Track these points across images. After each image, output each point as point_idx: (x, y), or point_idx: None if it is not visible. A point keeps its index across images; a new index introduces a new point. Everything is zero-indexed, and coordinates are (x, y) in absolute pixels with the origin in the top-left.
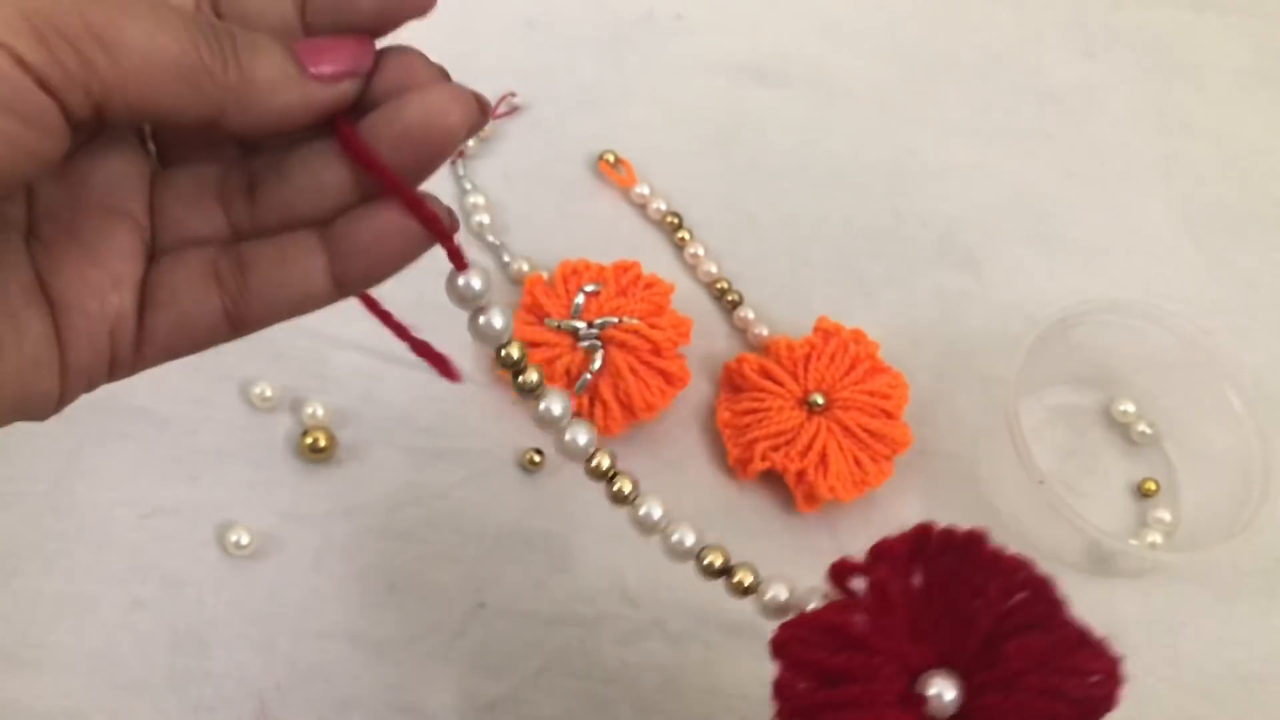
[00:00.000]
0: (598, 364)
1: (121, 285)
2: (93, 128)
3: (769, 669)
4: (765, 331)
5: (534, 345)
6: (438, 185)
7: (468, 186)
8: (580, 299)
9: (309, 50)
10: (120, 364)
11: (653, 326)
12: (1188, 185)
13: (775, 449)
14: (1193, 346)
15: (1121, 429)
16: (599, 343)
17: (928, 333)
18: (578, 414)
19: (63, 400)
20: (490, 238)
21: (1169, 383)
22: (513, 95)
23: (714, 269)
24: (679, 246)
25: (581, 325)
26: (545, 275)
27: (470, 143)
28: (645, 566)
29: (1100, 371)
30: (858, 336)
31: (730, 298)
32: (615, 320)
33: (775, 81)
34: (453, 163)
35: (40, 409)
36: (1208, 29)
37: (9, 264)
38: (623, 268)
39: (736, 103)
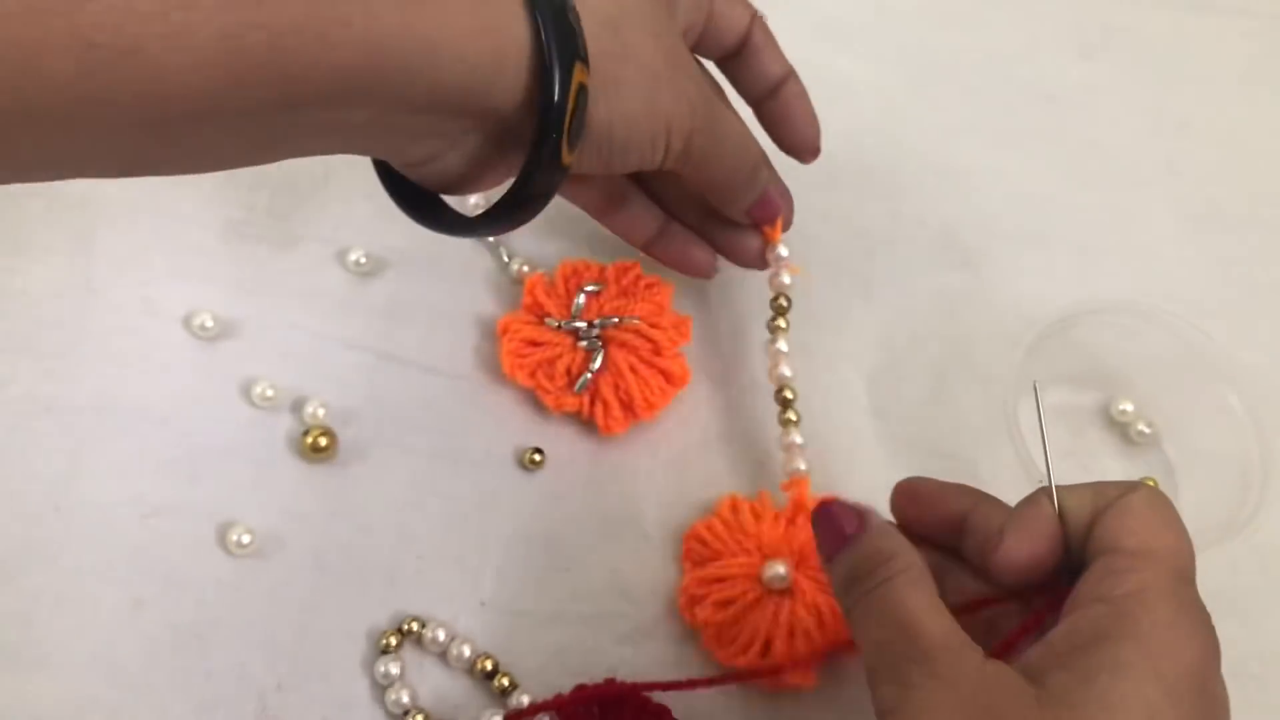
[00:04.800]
0: (598, 363)
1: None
2: None
3: None
4: (789, 372)
5: (534, 345)
6: None
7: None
8: (581, 299)
9: (762, 207)
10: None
11: (653, 326)
12: (1187, 185)
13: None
14: (1192, 347)
15: (1120, 429)
16: (599, 342)
17: (927, 333)
18: (578, 413)
19: None
20: (491, 238)
21: (1168, 383)
22: None
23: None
24: None
25: (582, 325)
26: (546, 275)
27: None
28: (645, 565)
29: (1099, 371)
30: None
31: (777, 322)
32: (616, 320)
33: None
34: None
35: None
36: (1207, 30)
37: None
38: (623, 268)
39: (735, 103)
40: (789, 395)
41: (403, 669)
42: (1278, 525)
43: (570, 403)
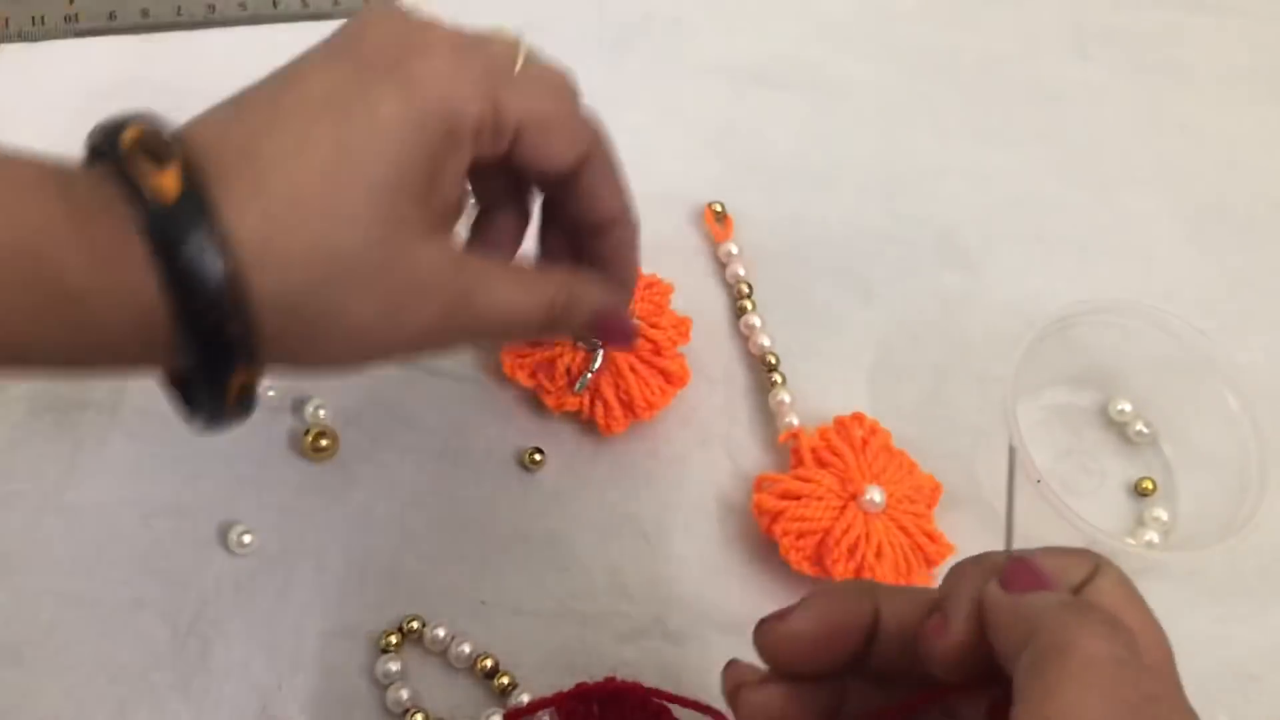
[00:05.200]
0: (598, 363)
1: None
2: None
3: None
4: (767, 341)
5: (535, 345)
6: None
7: (467, 187)
8: None
9: (604, 325)
10: None
11: (653, 326)
12: (1185, 185)
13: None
14: (1190, 346)
15: (1119, 428)
16: (599, 343)
17: (926, 333)
18: (578, 413)
19: None
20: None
21: (1166, 383)
22: None
23: (741, 271)
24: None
25: None
26: None
27: None
28: (645, 565)
29: (1098, 371)
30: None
31: (742, 304)
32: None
33: (774, 83)
34: None
35: None
36: (1205, 30)
37: None
38: None
39: (736, 105)
40: (772, 360)
41: (403, 668)
42: (1276, 525)
43: (570, 403)
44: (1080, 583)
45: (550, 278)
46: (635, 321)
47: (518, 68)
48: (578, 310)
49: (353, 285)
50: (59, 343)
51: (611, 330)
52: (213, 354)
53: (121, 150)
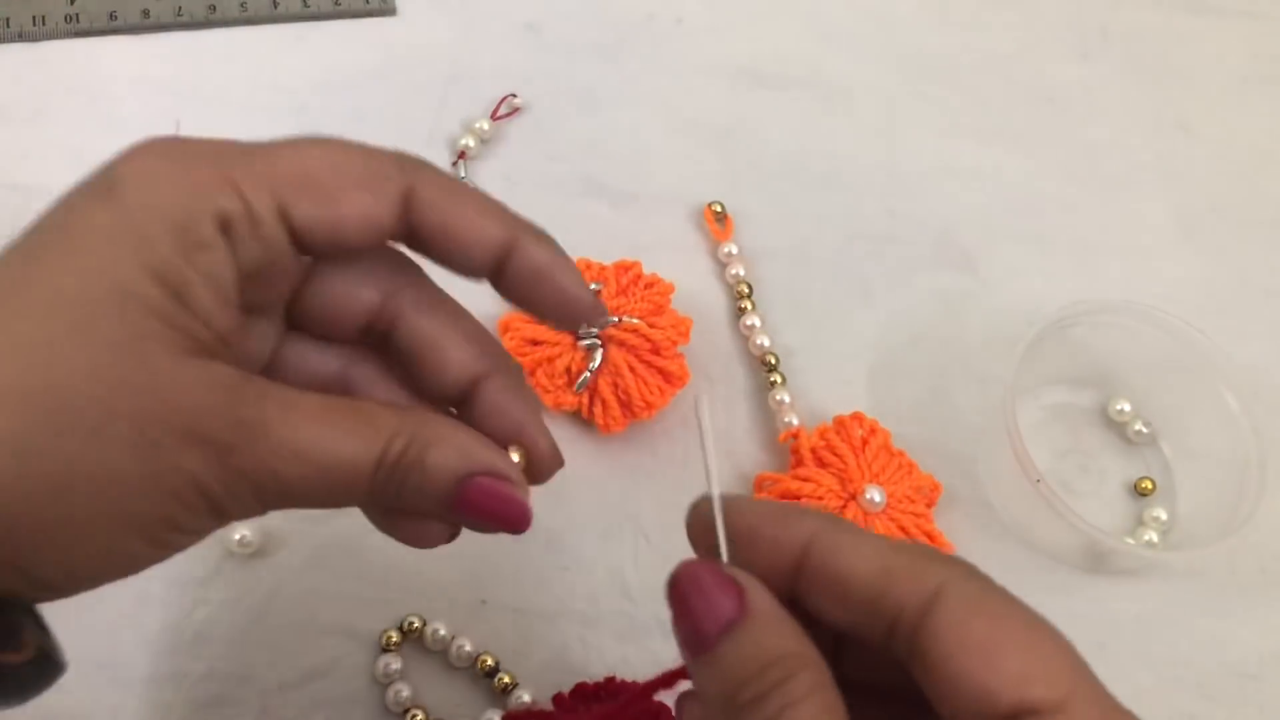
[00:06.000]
0: (597, 362)
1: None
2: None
3: None
4: (767, 342)
5: (534, 344)
6: None
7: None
8: None
9: (471, 498)
10: None
11: (652, 326)
12: (1185, 186)
13: None
14: (1189, 346)
15: (1118, 428)
16: (599, 341)
17: (926, 333)
18: (577, 412)
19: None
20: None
21: (1165, 382)
22: (514, 97)
23: (741, 272)
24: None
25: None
26: None
27: (471, 144)
28: (645, 564)
29: (1097, 371)
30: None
31: (742, 305)
32: (615, 319)
33: (774, 83)
34: (454, 164)
35: None
36: (1205, 30)
37: None
38: (623, 267)
39: (736, 105)
40: (771, 360)
41: (404, 667)
42: (1275, 524)
43: (570, 402)
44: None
45: (389, 415)
46: (528, 504)
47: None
48: (431, 467)
49: (83, 424)
50: None
51: (486, 507)
52: None
53: None
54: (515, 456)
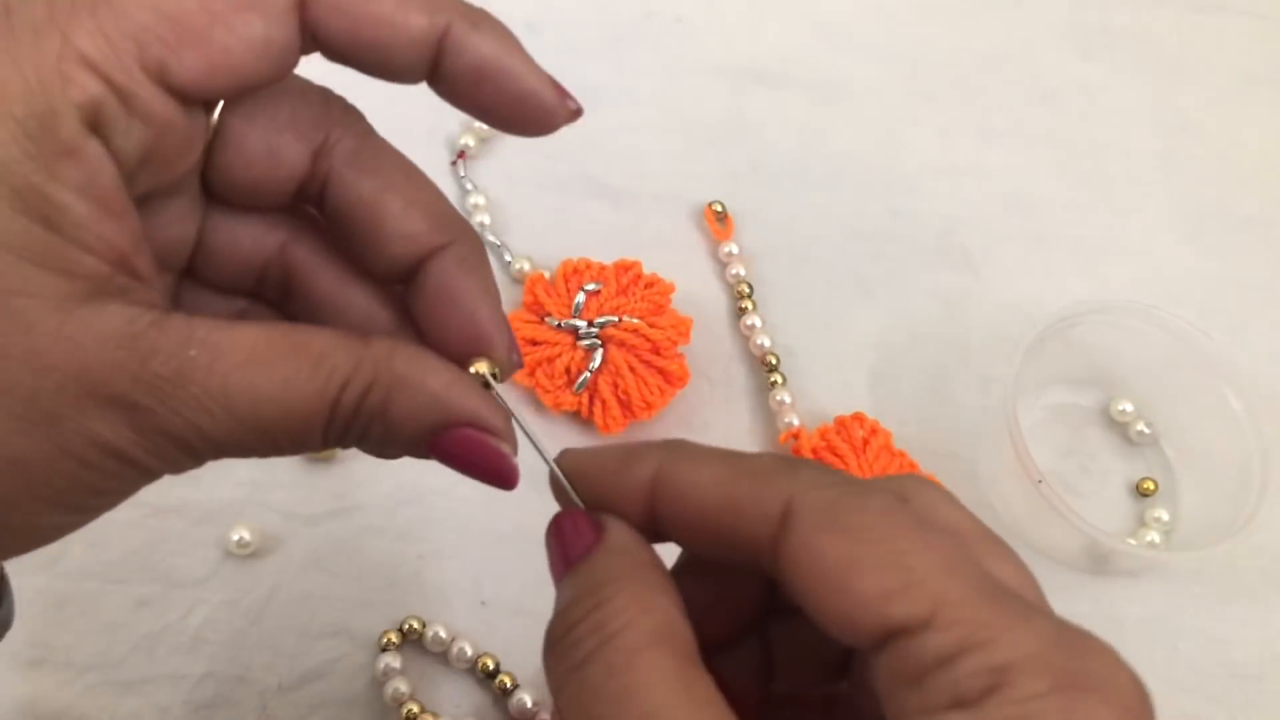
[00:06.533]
0: (597, 363)
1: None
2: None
3: None
4: (768, 342)
5: (534, 344)
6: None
7: (469, 187)
8: (581, 298)
9: (450, 449)
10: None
11: (652, 326)
12: (1187, 185)
13: None
14: (1191, 346)
15: (1120, 429)
16: (599, 341)
17: (927, 333)
18: (577, 412)
19: None
20: (491, 237)
21: (1167, 383)
22: None
23: (741, 272)
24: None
25: (582, 324)
26: (546, 274)
27: (471, 143)
28: None
29: (1099, 371)
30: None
31: (742, 305)
32: (615, 319)
33: (775, 83)
34: (454, 163)
35: None
36: (1207, 29)
37: None
38: (623, 267)
39: (736, 104)
40: (772, 360)
41: (403, 668)
42: (1277, 525)
43: (569, 402)
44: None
45: (342, 351)
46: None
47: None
48: (397, 420)
49: None
50: None
51: (465, 460)
52: None
53: None
54: (482, 368)
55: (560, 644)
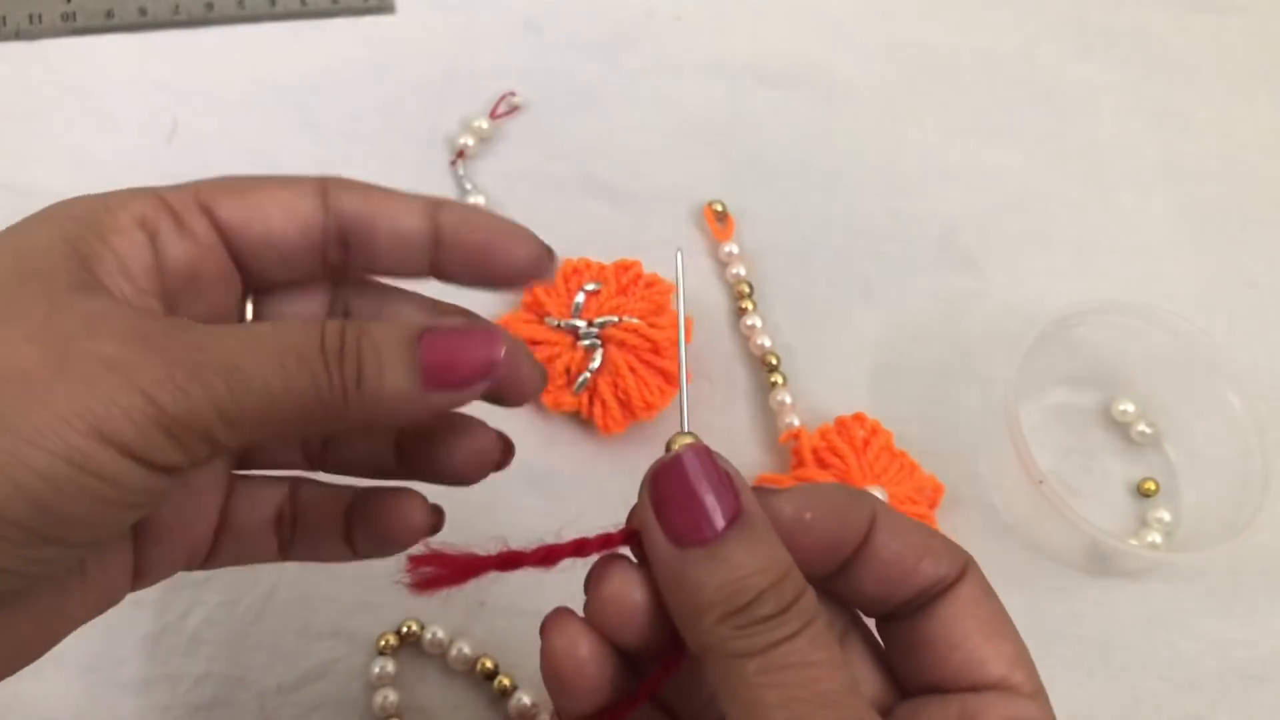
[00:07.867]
0: (597, 362)
1: (207, 518)
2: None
3: None
4: (768, 342)
5: (534, 344)
6: (438, 185)
7: (468, 187)
8: (580, 297)
9: (436, 358)
10: (186, 565)
11: (652, 326)
12: (1187, 185)
13: None
14: (1192, 346)
15: (1121, 429)
16: (599, 341)
17: (927, 333)
18: (577, 412)
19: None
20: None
21: (1168, 383)
22: (513, 95)
23: (741, 271)
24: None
25: (581, 324)
26: None
27: (470, 142)
28: None
29: (1100, 371)
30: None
31: (743, 305)
32: (615, 319)
33: (775, 82)
34: (453, 163)
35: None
36: (1207, 29)
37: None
38: (623, 267)
39: (736, 103)
40: (772, 360)
41: (400, 671)
42: (1277, 525)
43: (569, 402)
44: None
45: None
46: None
47: None
48: (379, 342)
49: None
50: None
51: (452, 356)
52: None
53: None
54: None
55: (749, 621)
